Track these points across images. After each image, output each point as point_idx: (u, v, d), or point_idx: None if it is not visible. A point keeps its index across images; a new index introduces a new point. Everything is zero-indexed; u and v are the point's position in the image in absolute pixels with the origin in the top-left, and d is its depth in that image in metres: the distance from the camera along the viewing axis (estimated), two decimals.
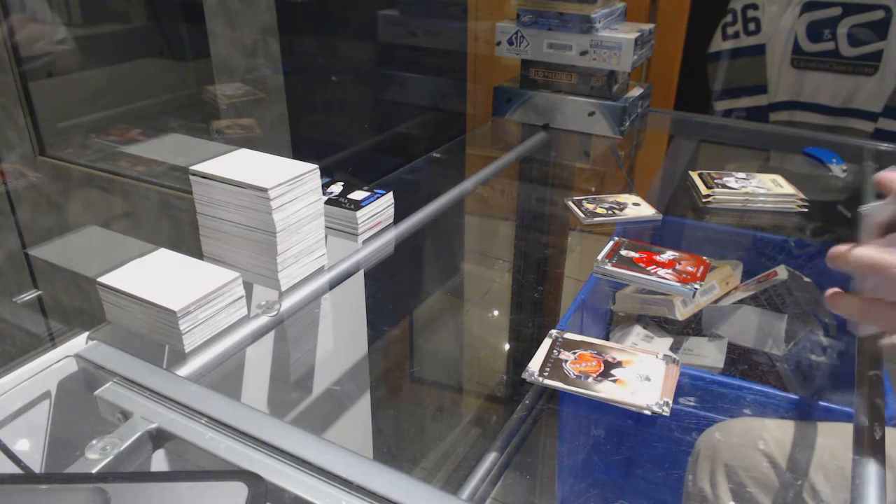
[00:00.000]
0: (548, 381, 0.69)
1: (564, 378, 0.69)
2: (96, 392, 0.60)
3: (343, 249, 0.87)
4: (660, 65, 1.65)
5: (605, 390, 0.67)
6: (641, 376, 0.69)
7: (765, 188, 1.09)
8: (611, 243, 0.93)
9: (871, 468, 0.54)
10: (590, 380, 0.69)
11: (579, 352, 0.73)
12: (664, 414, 0.65)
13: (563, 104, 1.33)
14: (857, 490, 0.53)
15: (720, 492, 0.77)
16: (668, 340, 1.13)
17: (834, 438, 0.74)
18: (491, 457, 0.71)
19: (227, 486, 0.46)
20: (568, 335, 0.76)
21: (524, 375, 0.70)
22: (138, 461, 0.55)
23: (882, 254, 0.51)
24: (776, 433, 0.78)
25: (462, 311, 1.53)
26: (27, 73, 1.10)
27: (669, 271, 0.86)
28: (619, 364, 0.71)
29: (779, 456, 0.76)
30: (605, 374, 0.69)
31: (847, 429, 0.67)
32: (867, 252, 0.52)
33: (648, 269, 0.87)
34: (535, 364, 0.71)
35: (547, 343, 0.75)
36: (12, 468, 0.58)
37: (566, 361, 0.71)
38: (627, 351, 0.73)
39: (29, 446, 0.66)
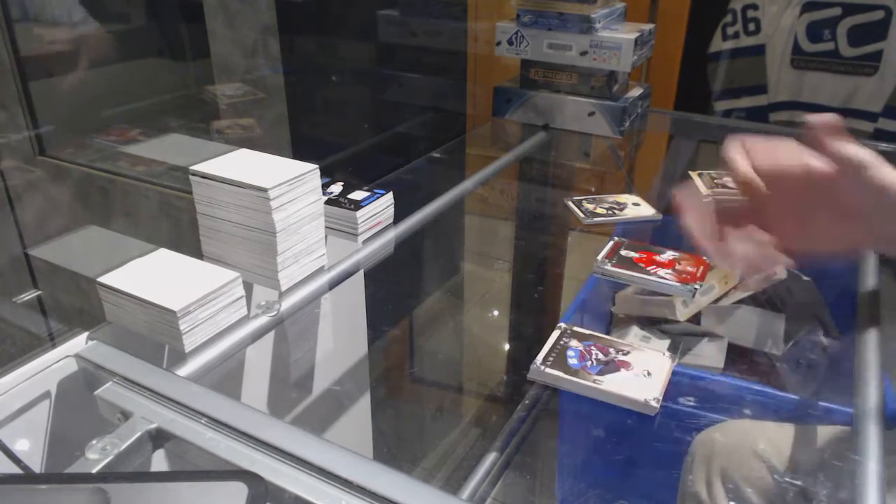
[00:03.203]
0: (549, 371, 0.69)
1: (566, 369, 0.70)
2: (96, 392, 0.60)
3: (343, 249, 0.87)
4: (660, 65, 1.65)
5: (604, 383, 0.68)
6: (643, 371, 0.70)
7: None
8: (611, 243, 0.93)
9: (871, 469, 0.54)
10: (591, 372, 0.69)
11: (586, 344, 0.74)
12: (655, 406, 0.65)
13: (563, 104, 1.33)
14: (857, 491, 0.53)
15: (716, 494, 0.77)
16: (666, 342, 1.13)
17: (832, 441, 0.74)
18: (491, 457, 0.71)
19: (227, 486, 0.46)
20: (576, 328, 0.77)
21: (532, 366, 0.71)
22: (138, 461, 0.55)
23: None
24: (772, 435, 0.77)
25: (462, 311, 1.53)
26: (27, 73, 1.10)
27: (669, 271, 0.86)
28: (622, 358, 0.72)
29: (775, 459, 0.75)
30: (606, 368, 0.70)
31: (845, 432, 0.67)
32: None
33: (648, 269, 0.87)
34: (541, 356, 0.72)
35: (555, 335, 0.76)
36: (12, 468, 0.58)
37: (571, 354, 0.72)
38: (633, 346, 0.74)
39: (29, 446, 0.66)
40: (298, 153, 1.35)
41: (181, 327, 0.65)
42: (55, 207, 1.18)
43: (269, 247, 0.74)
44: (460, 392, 1.57)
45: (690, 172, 1.16)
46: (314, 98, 1.52)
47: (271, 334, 0.75)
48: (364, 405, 1.13)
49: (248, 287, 0.74)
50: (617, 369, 0.70)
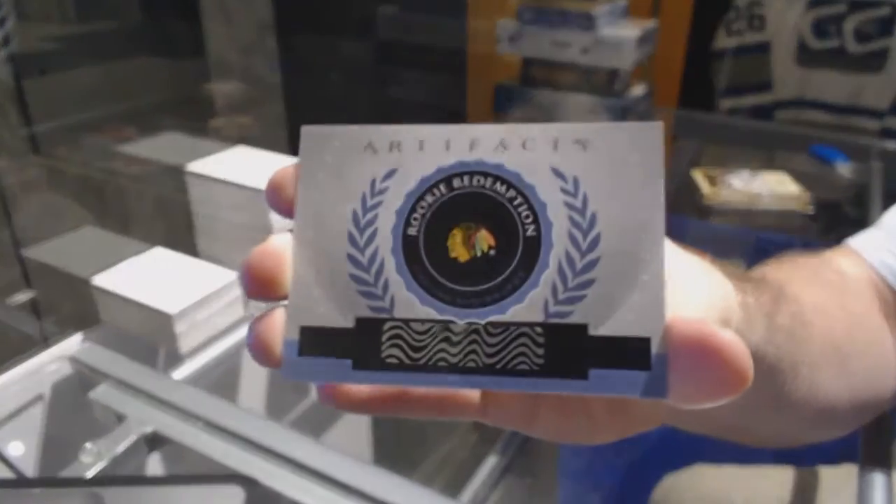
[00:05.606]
0: None
1: None
2: (90, 395, 0.60)
3: None
4: (663, 62, 1.64)
5: None
6: None
7: (769, 187, 1.08)
8: None
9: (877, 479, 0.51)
10: None
11: None
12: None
13: (565, 102, 1.32)
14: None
15: None
16: None
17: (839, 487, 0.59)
18: (491, 460, 0.70)
19: (223, 489, 0.46)
20: None
21: None
22: (133, 465, 0.55)
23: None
24: (754, 485, 0.64)
25: None
26: (20, 71, 1.10)
27: None
28: None
29: None
30: None
31: (837, 472, 0.59)
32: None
33: None
34: None
35: None
36: (5, 472, 0.57)
37: None
38: None
39: (22, 450, 0.66)
40: (296, 151, 1.34)
41: (177, 329, 0.64)
42: (49, 207, 1.18)
43: None
44: None
45: (694, 171, 1.16)
46: (312, 95, 1.51)
47: None
48: None
49: None
50: None
